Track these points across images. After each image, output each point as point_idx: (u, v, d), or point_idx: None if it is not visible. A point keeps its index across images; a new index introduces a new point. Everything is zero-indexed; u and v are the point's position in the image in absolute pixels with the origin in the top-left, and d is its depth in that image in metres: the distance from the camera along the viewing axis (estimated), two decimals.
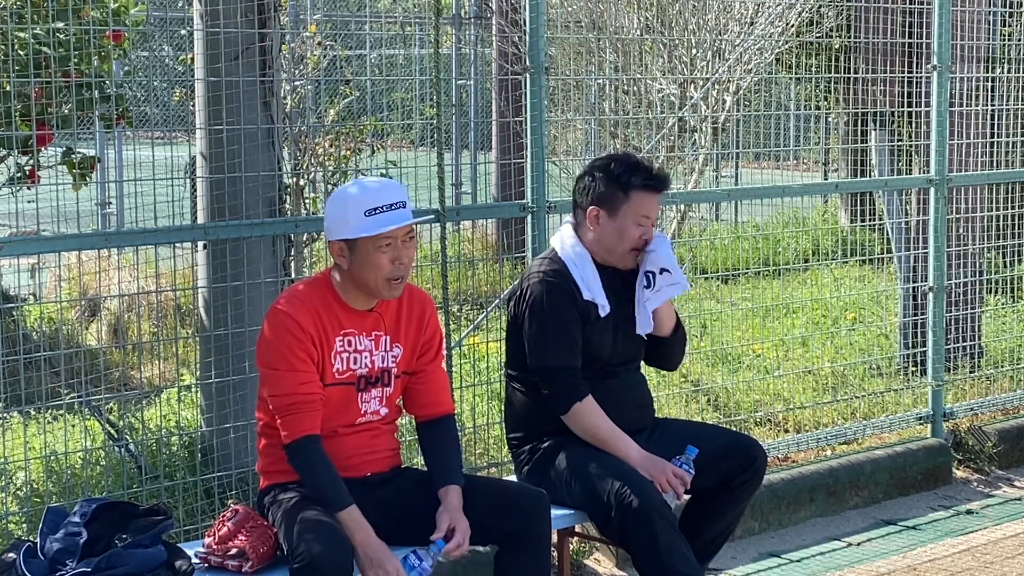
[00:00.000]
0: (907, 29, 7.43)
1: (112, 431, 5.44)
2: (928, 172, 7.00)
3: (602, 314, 4.50)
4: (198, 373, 5.75)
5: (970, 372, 7.54)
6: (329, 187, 6.28)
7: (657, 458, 4.42)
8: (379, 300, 4.07)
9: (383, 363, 4.09)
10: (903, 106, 7.68)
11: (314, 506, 3.87)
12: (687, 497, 4.57)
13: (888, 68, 7.53)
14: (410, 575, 3.85)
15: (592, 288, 4.49)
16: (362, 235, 3.92)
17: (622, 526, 4.26)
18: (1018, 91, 7.95)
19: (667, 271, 4.48)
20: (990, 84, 7.82)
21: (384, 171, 6.15)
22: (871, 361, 7.46)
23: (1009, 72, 8.04)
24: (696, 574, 4.28)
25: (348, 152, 6.49)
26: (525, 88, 5.50)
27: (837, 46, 7.45)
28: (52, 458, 5.24)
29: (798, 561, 5.77)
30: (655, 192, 4.52)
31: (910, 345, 7.39)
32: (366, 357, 4.06)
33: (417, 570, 3.86)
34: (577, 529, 4.89)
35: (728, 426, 6.28)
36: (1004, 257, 8.34)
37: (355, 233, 3.93)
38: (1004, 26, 8.38)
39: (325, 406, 3.98)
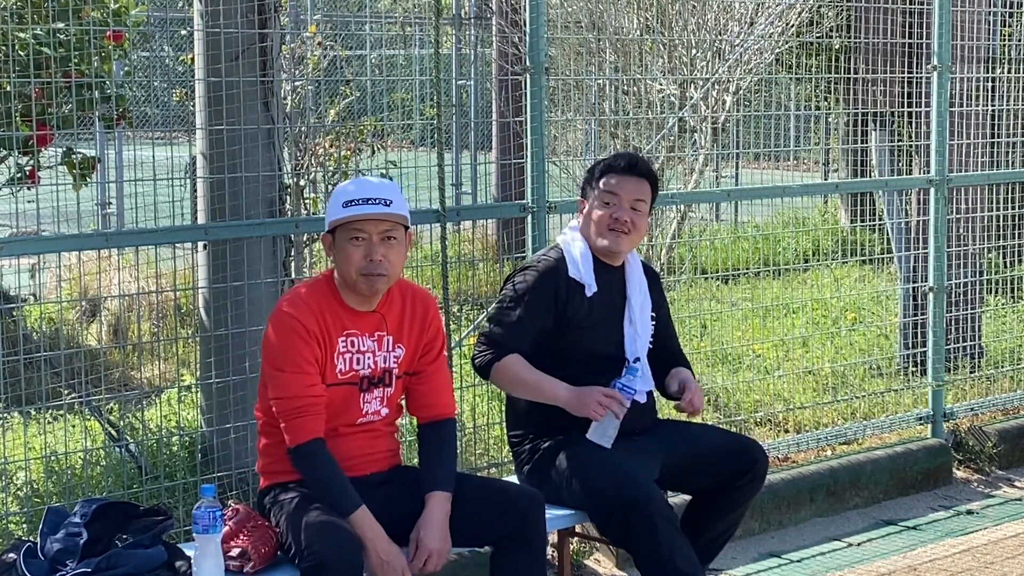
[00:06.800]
0: (907, 29, 7.43)
1: (112, 431, 5.44)
2: (928, 172, 7.00)
3: (588, 294, 4.52)
4: (198, 373, 5.75)
5: (970, 372, 7.54)
6: (329, 187, 6.28)
7: (585, 388, 4.39)
8: (381, 301, 4.08)
9: (385, 363, 4.09)
10: (903, 106, 7.68)
11: (318, 505, 3.87)
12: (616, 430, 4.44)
13: (888, 68, 7.53)
14: None
15: (582, 268, 4.54)
16: (332, 220, 3.99)
17: (623, 525, 4.25)
18: (1018, 91, 7.95)
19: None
20: (990, 84, 7.82)
21: (384, 171, 6.15)
22: (871, 361, 7.46)
23: (1009, 72, 8.04)
24: (698, 573, 4.28)
25: (348, 152, 6.49)
26: (525, 88, 5.51)
27: (837, 46, 7.45)
28: (52, 458, 5.24)
29: (798, 561, 5.77)
30: (618, 173, 4.58)
31: (910, 345, 7.39)
32: (369, 358, 4.06)
33: None
34: (577, 529, 4.89)
35: (728, 426, 6.29)
36: (1004, 257, 8.34)
37: (328, 220, 4.01)
38: (1004, 26, 8.37)
39: (327, 406, 3.98)
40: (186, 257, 5.74)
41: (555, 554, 4.96)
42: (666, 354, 4.76)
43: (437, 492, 4.03)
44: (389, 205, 3.97)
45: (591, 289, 4.53)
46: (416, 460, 4.22)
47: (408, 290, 4.18)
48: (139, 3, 5.58)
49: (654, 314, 4.68)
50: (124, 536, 3.79)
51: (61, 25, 5.02)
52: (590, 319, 4.53)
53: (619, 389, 4.37)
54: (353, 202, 3.96)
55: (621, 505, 4.24)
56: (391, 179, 5.62)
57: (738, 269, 7.62)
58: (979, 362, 7.68)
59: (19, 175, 5.35)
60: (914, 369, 7.34)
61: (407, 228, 4.07)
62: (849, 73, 7.47)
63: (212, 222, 5.22)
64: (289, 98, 6.21)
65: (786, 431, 6.75)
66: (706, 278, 7.99)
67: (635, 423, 4.53)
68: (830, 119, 11.92)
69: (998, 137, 7.87)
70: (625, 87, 7.89)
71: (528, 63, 5.49)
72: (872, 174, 8.05)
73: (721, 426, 6.10)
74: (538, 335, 4.49)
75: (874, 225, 8.88)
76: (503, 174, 11.15)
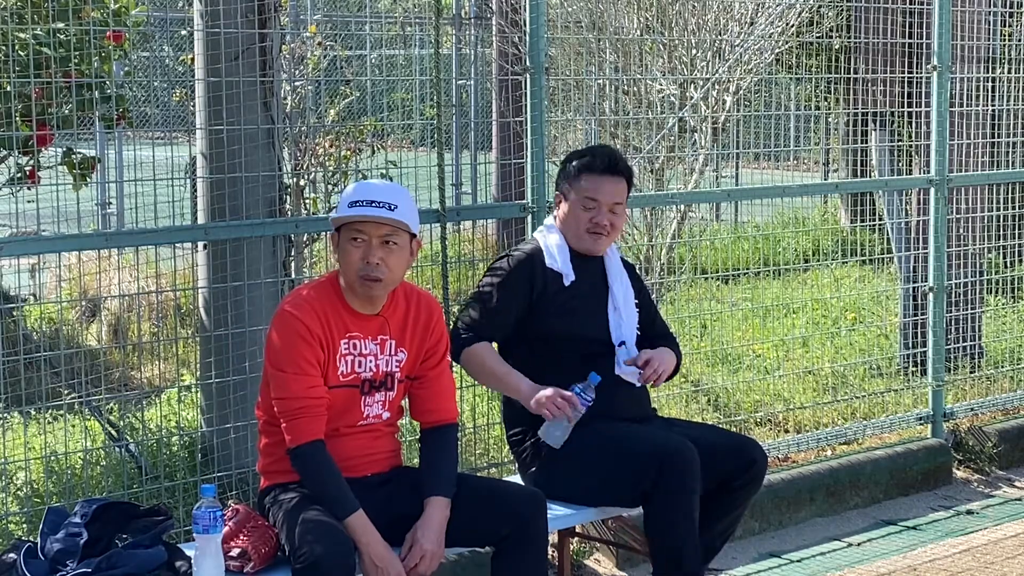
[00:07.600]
0: (907, 29, 7.43)
1: (112, 431, 5.44)
2: (928, 172, 6.99)
3: (566, 283, 4.55)
4: (198, 373, 5.75)
5: (970, 372, 7.54)
6: (329, 187, 6.28)
7: (544, 388, 4.40)
8: (384, 304, 4.07)
9: (387, 367, 4.09)
10: (903, 106, 7.68)
11: (315, 506, 3.87)
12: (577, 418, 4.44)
13: (888, 68, 7.53)
14: None
15: (559, 259, 4.57)
16: (335, 218, 4.01)
17: (656, 481, 4.26)
18: (1018, 91, 7.95)
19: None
20: (990, 84, 7.82)
21: (384, 171, 6.16)
22: (871, 361, 7.46)
23: (1009, 72, 8.04)
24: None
25: (348, 152, 6.49)
26: (525, 88, 5.51)
27: (837, 46, 7.45)
28: (52, 458, 5.24)
29: (798, 561, 5.77)
30: (599, 174, 4.60)
31: (910, 345, 7.39)
32: (371, 361, 4.06)
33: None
34: (577, 529, 4.89)
35: (728, 426, 6.29)
36: (1004, 257, 8.34)
37: (332, 217, 4.03)
38: (1004, 26, 8.37)
39: (328, 408, 3.98)
40: (186, 257, 5.74)
41: (555, 554, 4.96)
42: (654, 337, 4.77)
43: (437, 497, 4.02)
44: (393, 210, 3.96)
45: (569, 278, 4.57)
46: (416, 460, 4.22)
47: (413, 294, 4.17)
48: (139, 3, 5.58)
49: (637, 301, 4.71)
50: (124, 536, 3.79)
51: (61, 25, 5.02)
52: (572, 305, 4.56)
53: (576, 394, 4.37)
54: (358, 203, 3.96)
55: (646, 468, 4.26)
56: (391, 179, 5.63)
57: (738, 269, 7.62)
58: (979, 362, 7.68)
59: (19, 175, 5.35)
60: (914, 369, 7.34)
61: (413, 236, 4.06)
62: (849, 73, 7.47)
63: (212, 222, 5.22)
64: (289, 98, 6.21)
65: (786, 431, 6.74)
66: (706, 278, 7.99)
67: (627, 409, 4.56)
68: (830, 119, 11.92)
69: (998, 137, 7.87)
70: (625, 87, 7.88)
71: (528, 63, 5.49)
72: (872, 174, 8.05)
73: (721, 426, 6.10)
74: (514, 324, 4.53)
75: (874, 225, 8.88)
76: (503, 174, 11.13)
